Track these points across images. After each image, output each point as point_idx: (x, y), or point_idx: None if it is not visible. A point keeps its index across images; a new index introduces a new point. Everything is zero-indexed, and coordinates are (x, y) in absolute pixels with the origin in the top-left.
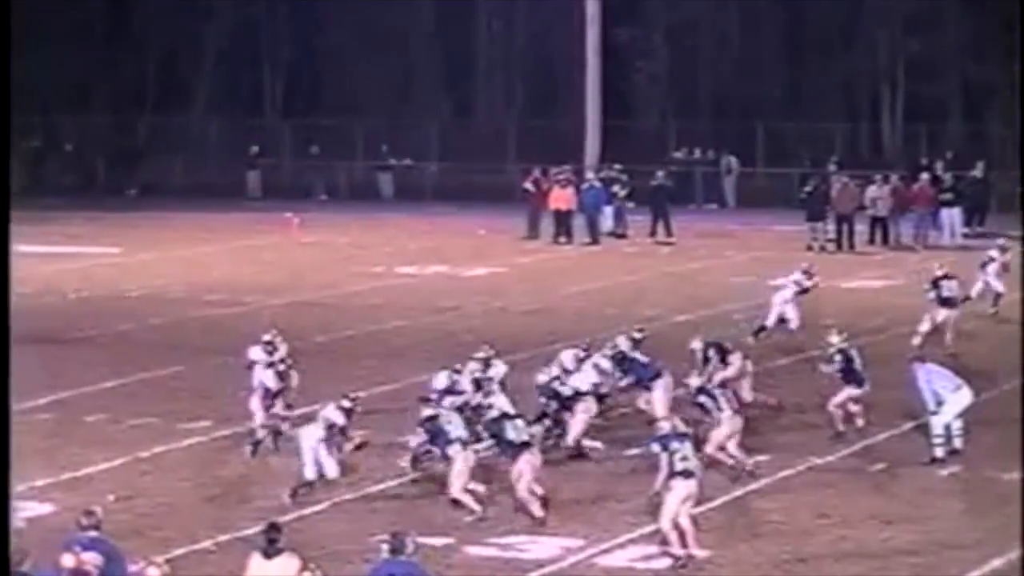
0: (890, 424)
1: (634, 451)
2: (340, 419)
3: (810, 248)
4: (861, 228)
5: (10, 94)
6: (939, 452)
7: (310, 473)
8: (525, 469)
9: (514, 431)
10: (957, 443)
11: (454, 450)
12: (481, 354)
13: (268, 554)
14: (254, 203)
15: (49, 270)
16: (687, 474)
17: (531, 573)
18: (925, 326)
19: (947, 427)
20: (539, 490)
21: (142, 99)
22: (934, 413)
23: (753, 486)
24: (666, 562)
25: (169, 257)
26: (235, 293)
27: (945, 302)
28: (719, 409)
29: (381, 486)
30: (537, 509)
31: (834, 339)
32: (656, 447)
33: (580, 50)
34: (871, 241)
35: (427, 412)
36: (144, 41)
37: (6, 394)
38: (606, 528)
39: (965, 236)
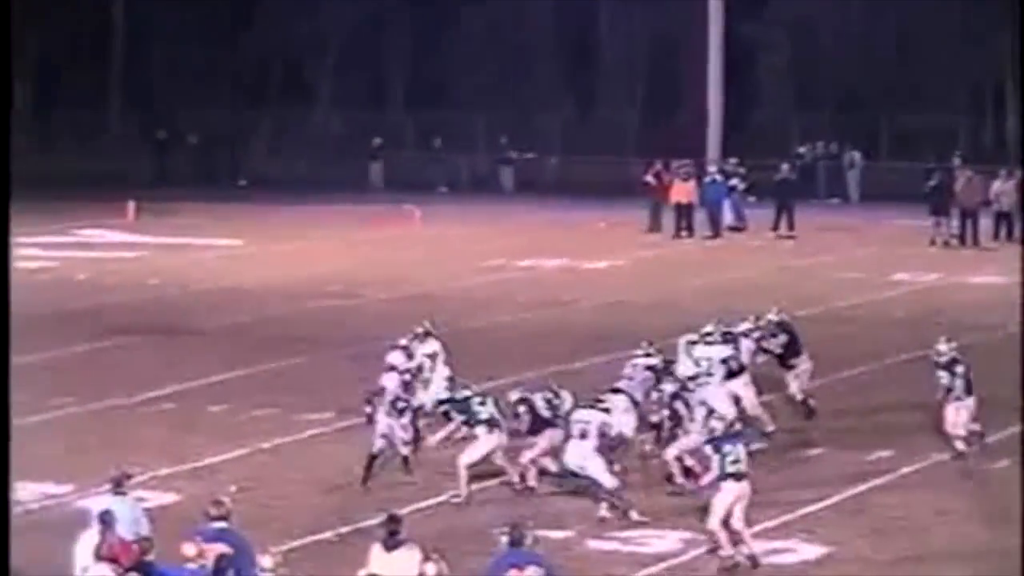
0: (1010, 421)
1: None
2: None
3: (933, 243)
4: (986, 223)
5: (10, 93)
6: None
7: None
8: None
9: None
10: None
11: (481, 430)
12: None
13: (388, 546)
14: (376, 195)
15: (171, 261)
16: (738, 476)
17: (651, 567)
18: None
19: None
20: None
21: (265, 94)
22: None
23: (875, 482)
24: (790, 557)
25: (289, 249)
26: (353, 285)
27: None
28: (691, 420)
29: (495, 480)
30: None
31: (942, 347)
32: (708, 449)
33: (702, 43)
34: (996, 236)
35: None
36: (268, 36)
37: (6, 394)
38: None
39: None
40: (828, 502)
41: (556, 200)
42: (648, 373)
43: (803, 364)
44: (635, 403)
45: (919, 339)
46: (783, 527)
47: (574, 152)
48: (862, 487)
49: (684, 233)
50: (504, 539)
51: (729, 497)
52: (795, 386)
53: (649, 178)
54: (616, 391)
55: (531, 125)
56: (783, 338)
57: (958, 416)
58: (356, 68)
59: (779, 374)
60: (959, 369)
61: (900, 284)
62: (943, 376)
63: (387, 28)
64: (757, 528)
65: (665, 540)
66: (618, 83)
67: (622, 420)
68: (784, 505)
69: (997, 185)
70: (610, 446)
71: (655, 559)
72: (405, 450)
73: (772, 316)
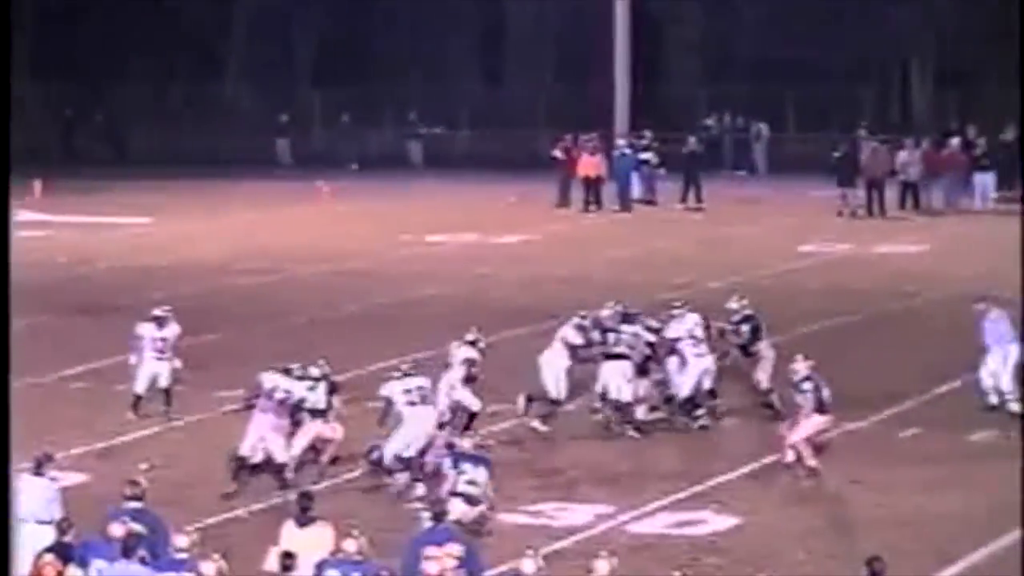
0: (922, 389)
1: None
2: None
3: (840, 214)
4: (892, 193)
5: (9, 91)
6: (991, 400)
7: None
8: None
9: None
10: (1014, 407)
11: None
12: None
13: (301, 523)
14: (284, 171)
15: (80, 240)
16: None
17: (563, 540)
18: None
19: (995, 377)
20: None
21: (174, 69)
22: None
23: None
24: (702, 528)
25: (200, 227)
26: (265, 263)
27: None
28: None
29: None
30: None
31: (733, 305)
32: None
33: (611, 17)
34: (902, 206)
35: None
36: (176, 10)
37: (6, 394)
38: (637, 495)
39: (996, 201)
40: (740, 472)
41: (466, 175)
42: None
43: (766, 352)
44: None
45: (832, 309)
46: (694, 498)
47: (483, 126)
48: (775, 457)
49: (593, 207)
50: (426, 515)
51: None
52: (763, 377)
53: (558, 152)
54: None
55: (440, 100)
56: (746, 328)
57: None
58: (265, 42)
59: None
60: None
61: (810, 255)
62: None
63: (294, 1)
64: (668, 500)
65: (576, 513)
66: (527, 57)
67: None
68: (696, 476)
69: (903, 156)
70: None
71: (566, 532)
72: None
73: (734, 304)
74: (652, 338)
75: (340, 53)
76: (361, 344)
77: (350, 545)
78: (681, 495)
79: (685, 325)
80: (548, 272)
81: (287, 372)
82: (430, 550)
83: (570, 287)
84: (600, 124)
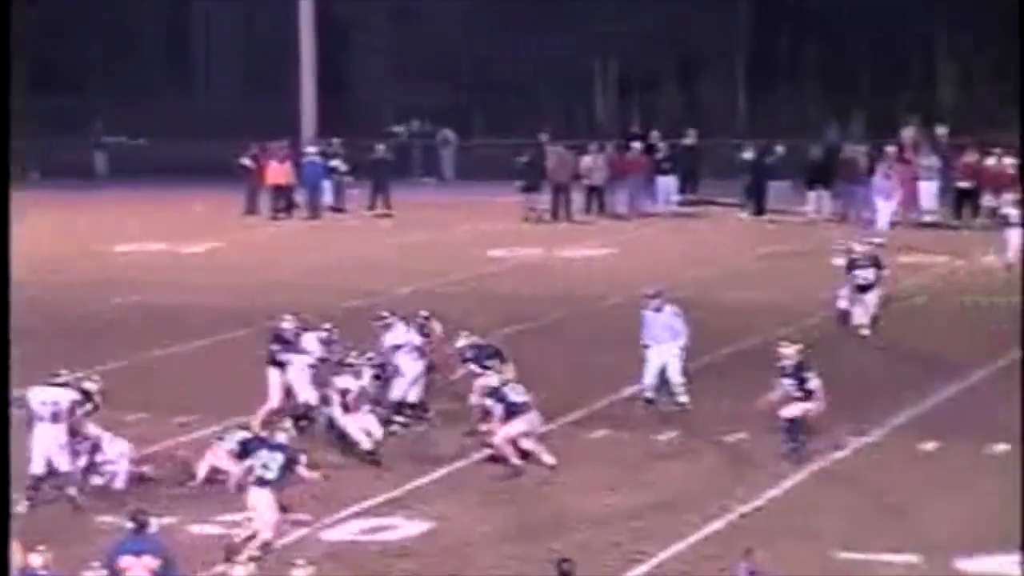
0: (609, 390)
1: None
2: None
3: (527, 219)
4: (578, 197)
5: (8, 91)
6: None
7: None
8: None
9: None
10: (682, 399)
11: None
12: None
13: None
14: None
15: None
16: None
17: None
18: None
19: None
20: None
21: None
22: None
23: (477, 456)
24: (392, 534)
25: None
26: None
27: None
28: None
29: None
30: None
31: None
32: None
33: (296, 22)
34: (587, 210)
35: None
36: None
37: (6, 393)
38: (332, 502)
39: (679, 204)
40: (433, 476)
41: (152, 185)
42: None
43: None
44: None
45: (521, 313)
46: (388, 503)
47: (170, 135)
48: (468, 460)
49: (282, 215)
50: (129, 524)
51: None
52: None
53: (246, 160)
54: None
55: (126, 109)
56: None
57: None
58: None
59: None
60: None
61: (499, 260)
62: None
63: None
64: (358, 507)
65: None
66: (214, 66)
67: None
68: (388, 481)
69: (587, 160)
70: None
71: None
72: None
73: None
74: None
75: (25, 61)
76: (40, 357)
77: (35, 559)
78: (374, 500)
79: (396, 334)
80: (236, 281)
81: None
82: (125, 560)
83: (257, 295)
84: (288, 132)
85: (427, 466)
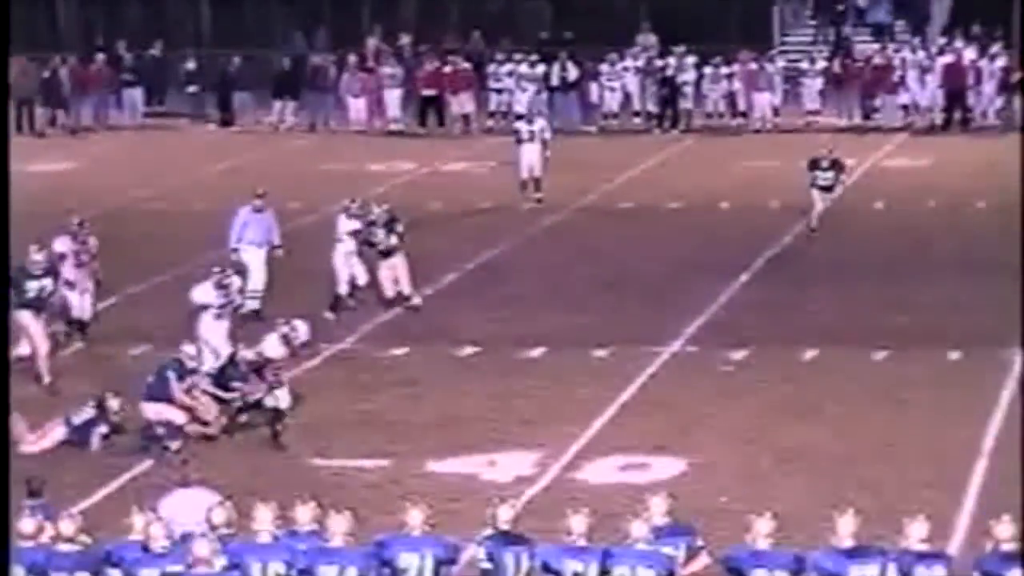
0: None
1: None
2: None
3: None
4: (41, 112)
5: (8, 90)
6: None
7: None
8: None
9: None
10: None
11: None
12: None
13: None
14: None
15: None
16: None
17: None
18: None
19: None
20: None
21: None
22: None
23: None
24: None
25: None
26: None
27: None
28: None
29: None
30: None
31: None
32: None
33: None
34: (52, 124)
35: None
36: None
37: (6, 392)
38: None
39: (145, 116)
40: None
41: None
42: None
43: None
44: None
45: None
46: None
47: None
48: None
49: None
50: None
51: None
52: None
53: None
54: None
55: None
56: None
57: None
58: None
59: None
60: None
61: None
62: None
63: None
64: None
65: None
66: None
67: None
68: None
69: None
70: None
71: None
72: None
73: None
74: None
75: None
76: None
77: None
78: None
79: None
80: None
81: None
82: None
83: None
84: None
85: None
